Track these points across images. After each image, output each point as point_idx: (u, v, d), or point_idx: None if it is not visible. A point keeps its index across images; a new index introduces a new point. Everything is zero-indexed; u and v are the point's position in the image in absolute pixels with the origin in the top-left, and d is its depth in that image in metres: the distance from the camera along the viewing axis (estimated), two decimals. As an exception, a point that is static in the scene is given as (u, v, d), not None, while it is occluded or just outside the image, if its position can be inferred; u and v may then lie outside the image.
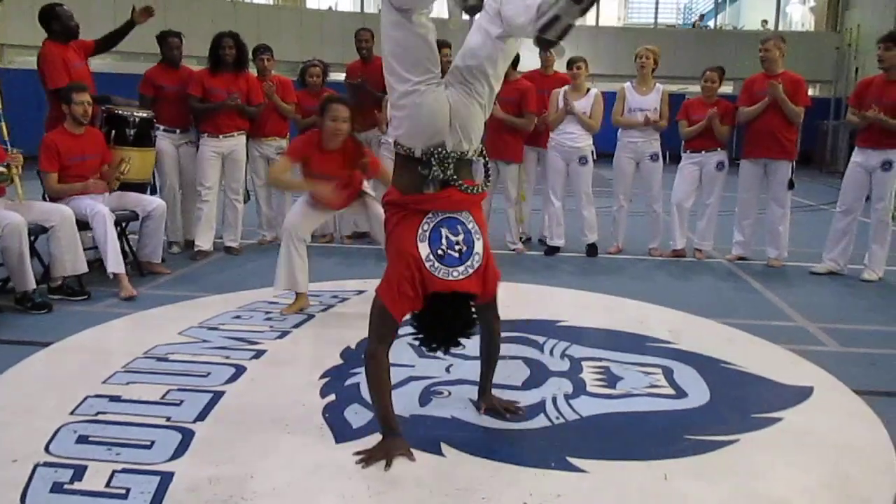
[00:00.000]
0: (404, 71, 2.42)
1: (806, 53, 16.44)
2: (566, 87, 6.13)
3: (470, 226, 2.52)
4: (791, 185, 5.89)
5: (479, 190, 2.56)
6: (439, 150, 2.47)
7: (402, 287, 2.47)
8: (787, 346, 3.84)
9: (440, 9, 3.13)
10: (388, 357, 2.52)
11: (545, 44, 2.25)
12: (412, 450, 2.50)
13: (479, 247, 2.52)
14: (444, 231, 2.47)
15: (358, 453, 2.45)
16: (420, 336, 2.56)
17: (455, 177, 2.48)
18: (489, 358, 2.86)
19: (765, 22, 20.86)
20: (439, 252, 2.44)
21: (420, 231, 2.46)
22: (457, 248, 2.47)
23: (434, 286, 2.45)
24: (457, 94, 2.49)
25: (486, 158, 2.68)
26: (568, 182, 6.29)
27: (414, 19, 2.36)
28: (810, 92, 6.04)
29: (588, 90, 6.17)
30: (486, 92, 2.51)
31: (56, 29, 5.16)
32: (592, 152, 6.20)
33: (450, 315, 2.50)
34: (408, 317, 2.55)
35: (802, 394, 3.16)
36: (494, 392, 2.95)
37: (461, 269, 2.46)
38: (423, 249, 2.44)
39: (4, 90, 4.65)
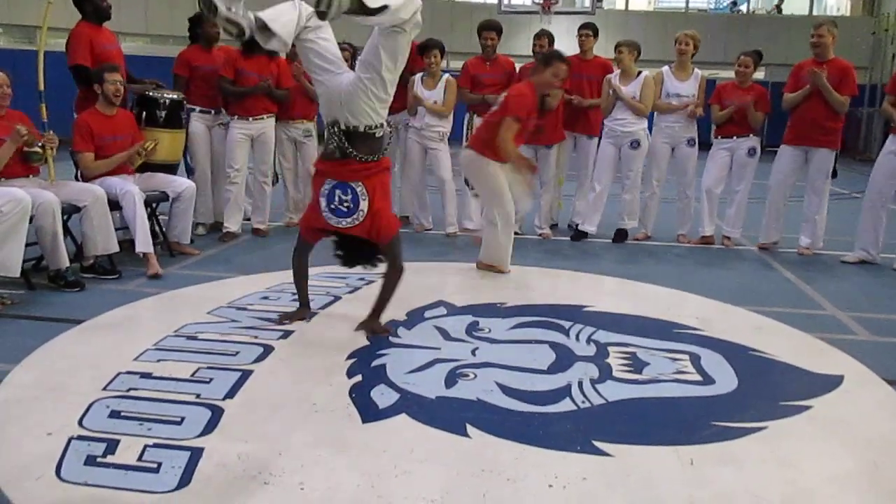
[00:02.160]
0: (319, 64, 3.40)
1: (841, 39, 16.06)
2: (617, 73, 6.09)
3: (359, 190, 3.37)
4: (834, 174, 5.78)
5: (376, 158, 3.41)
6: (334, 125, 3.37)
7: (309, 223, 3.62)
8: (816, 334, 3.80)
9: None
10: (303, 258, 3.74)
11: (322, 15, 2.96)
12: (439, 430, 2.55)
13: (363, 206, 3.38)
14: (337, 192, 3.39)
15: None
16: (341, 256, 3.59)
17: (350, 149, 3.34)
18: (380, 293, 3.63)
19: (777, 8, 20.51)
20: (332, 206, 3.40)
21: (322, 189, 3.42)
22: (344, 205, 3.39)
23: (327, 227, 3.48)
24: (350, 81, 3.32)
25: (389, 135, 3.56)
26: (618, 167, 6.25)
27: (311, 35, 3.33)
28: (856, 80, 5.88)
29: (638, 73, 6.10)
30: (375, 78, 3.27)
31: (88, 10, 5.20)
32: (647, 136, 6.16)
33: (355, 247, 3.53)
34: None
35: (832, 382, 3.13)
36: (521, 375, 2.97)
37: (348, 219, 3.41)
38: (322, 203, 3.42)
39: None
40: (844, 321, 4.14)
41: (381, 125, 3.45)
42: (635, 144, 6.11)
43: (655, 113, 6.23)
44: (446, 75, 6.15)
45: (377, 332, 3.57)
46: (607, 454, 2.43)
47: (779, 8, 21.12)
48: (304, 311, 3.79)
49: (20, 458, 2.32)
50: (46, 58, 4.58)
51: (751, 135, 6.00)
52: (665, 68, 6.22)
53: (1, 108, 4.26)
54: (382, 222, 3.45)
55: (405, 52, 3.32)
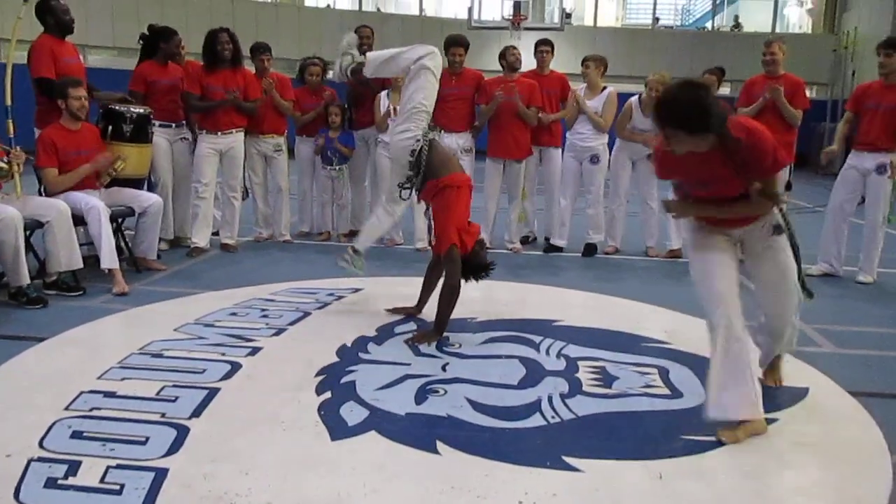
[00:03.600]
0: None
1: (803, 55, 16.44)
2: (583, 86, 6.16)
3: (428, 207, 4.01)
4: (789, 187, 5.90)
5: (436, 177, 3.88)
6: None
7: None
8: (782, 347, 3.84)
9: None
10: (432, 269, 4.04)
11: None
12: (409, 447, 2.54)
13: (431, 222, 3.96)
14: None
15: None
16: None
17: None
18: (437, 308, 3.76)
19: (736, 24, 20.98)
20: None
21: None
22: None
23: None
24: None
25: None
26: (581, 182, 6.31)
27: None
28: (808, 94, 6.04)
29: (603, 89, 6.17)
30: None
31: (51, 23, 5.11)
32: (606, 151, 6.23)
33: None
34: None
35: (797, 395, 3.17)
36: (491, 390, 2.99)
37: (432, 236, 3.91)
38: None
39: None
40: (809, 333, 4.19)
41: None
42: (595, 160, 6.18)
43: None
44: None
45: (421, 341, 3.69)
46: (577, 469, 2.43)
47: (737, 24, 21.56)
48: (414, 309, 4.12)
49: (-23, 482, 2.25)
50: (16, 71, 4.51)
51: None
52: (634, 100, 6.23)
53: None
54: (439, 235, 3.77)
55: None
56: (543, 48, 6.39)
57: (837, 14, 20.19)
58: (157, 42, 5.79)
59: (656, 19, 21.45)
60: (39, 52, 5.05)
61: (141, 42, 5.90)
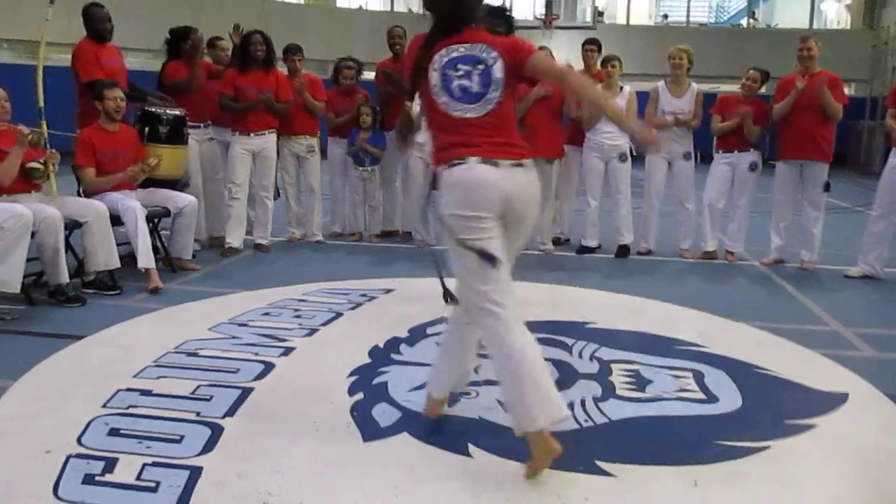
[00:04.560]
0: None
1: (841, 52, 16.12)
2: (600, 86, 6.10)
3: None
4: (827, 188, 5.78)
5: None
6: None
7: None
8: (820, 350, 3.77)
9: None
10: None
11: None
12: (441, 449, 2.52)
13: None
14: None
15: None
16: None
17: None
18: None
19: (752, 14, 20.56)
20: None
21: None
22: None
23: None
24: None
25: None
26: (606, 181, 6.25)
27: None
28: (845, 91, 5.93)
29: (621, 88, 6.12)
30: None
31: (90, 29, 5.25)
32: (631, 150, 6.17)
33: None
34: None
35: (837, 400, 3.10)
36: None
37: None
38: None
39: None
40: (848, 337, 4.12)
41: None
42: (623, 158, 6.14)
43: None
44: None
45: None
46: (610, 474, 2.41)
47: (754, 16, 21.23)
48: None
49: (18, 477, 2.30)
50: (46, 73, 4.59)
51: (752, 149, 6.00)
52: (660, 84, 6.22)
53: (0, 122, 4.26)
54: None
55: None
56: (590, 47, 6.33)
57: (876, 9, 19.75)
58: (179, 43, 5.86)
59: (752, 13, 20.96)
60: (84, 57, 5.19)
61: (166, 46, 6.00)
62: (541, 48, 6.23)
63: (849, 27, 21.16)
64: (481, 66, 2.38)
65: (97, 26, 5.26)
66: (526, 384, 2.28)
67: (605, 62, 6.09)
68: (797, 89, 5.57)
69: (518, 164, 2.37)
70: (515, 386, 2.31)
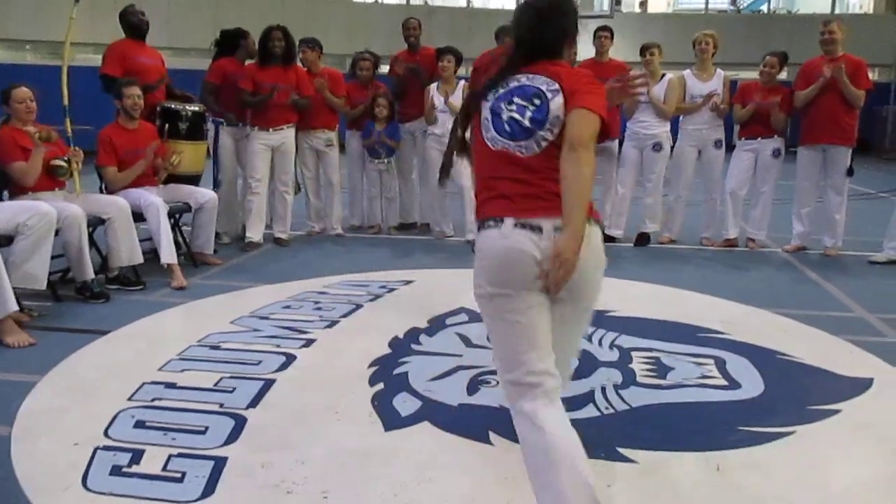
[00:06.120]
0: None
1: (865, 37, 15.88)
2: (686, 71, 6.09)
3: None
4: (850, 173, 5.70)
5: None
6: None
7: None
8: (845, 336, 3.73)
9: None
10: None
11: None
12: (462, 437, 2.53)
13: None
14: None
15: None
16: None
17: None
18: None
19: (734, 1, 20.38)
20: None
21: None
22: None
23: None
24: None
25: None
26: (640, 171, 6.23)
27: None
28: (870, 76, 5.85)
29: (662, 75, 6.08)
30: None
31: (125, 26, 5.42)
32: (669, 139, 6.14)
33: None
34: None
35: (861, 385, 3.07)
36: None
37: None
38: None
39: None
40: (873, 323, 4.07)
41: None
42: (658, 147, 6.08)
43: (681, 117, 6.19)
44: (462, 81, 6.14)
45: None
46: (632, 461, 2.41)
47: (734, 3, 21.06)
48: None
49: (48, 468, 2.34)
50: (72, 73, 4.65)
51: (775, 136, 5.93)
52: (686, 71, 6.17)
53: (27, 122, 4.32)
54: None
55: None
56: (603, 34, 6.29)
57: (901, -7, 19.44)
58: (236, 42, 5.98)
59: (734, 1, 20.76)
60: (109, 52, 5.37)
61: (215, 48, 6.10)
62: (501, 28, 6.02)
63: (872, 12, 20.82)
64: (538, 101, 2.00)
65: (132, 20, 5.41)
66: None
67: (643, 50, 6.07)
68: (824, 77, 5.49)
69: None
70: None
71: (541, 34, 2.08)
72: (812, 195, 5.91)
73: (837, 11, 20.04)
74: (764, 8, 22.49)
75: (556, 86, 2.00)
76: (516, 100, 2.03)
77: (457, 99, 6.02)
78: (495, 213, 1.96)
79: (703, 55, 6.05)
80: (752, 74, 6.20)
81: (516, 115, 2.01)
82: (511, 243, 1.91)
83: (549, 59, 2.08)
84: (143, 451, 2.43)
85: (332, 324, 3.85)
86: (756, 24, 20.07)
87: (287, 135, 5.99)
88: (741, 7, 23.28)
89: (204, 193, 5.20)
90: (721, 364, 3.29)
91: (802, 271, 5.35)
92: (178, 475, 2.29)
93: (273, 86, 5.78)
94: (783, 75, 6.17)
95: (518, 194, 1.95)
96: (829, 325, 3.91)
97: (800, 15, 20.49)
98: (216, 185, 5.95)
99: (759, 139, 5.96)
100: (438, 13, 19.23)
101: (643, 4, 21.01)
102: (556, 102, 1.98)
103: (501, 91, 2.06)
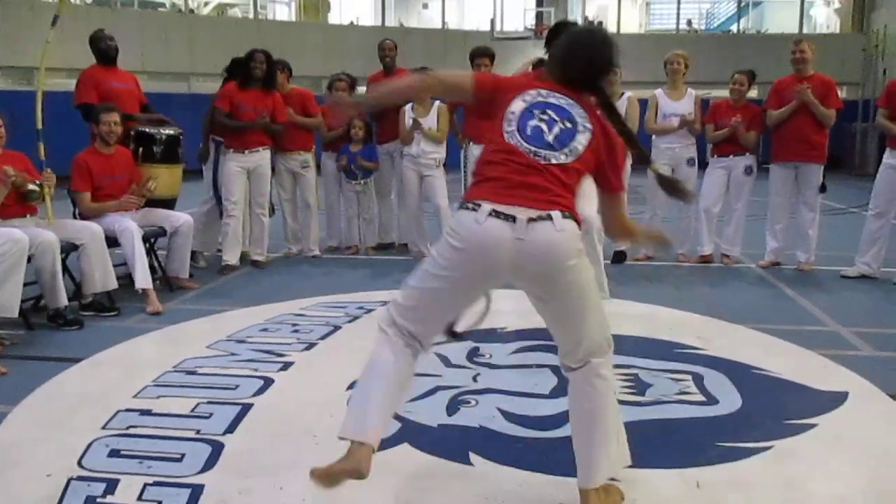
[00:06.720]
0: None
1: (832, 56, 16.24)
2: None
3: None
4: (823, 189, 5.81)
5: None
6: None
7: None
8: (819, 350, 3.78)
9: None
10: None
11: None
12: (442, 458, 2.52)
13: None
14: None
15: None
16: None
17: None
18: None
19: (689, 22, 20.83)
20: None
21: None
22: None
23: None
24: None
25: None
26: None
27: None
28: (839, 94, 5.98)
29: (621, 94, 6.14)
30: None
31: (95, 52, 5.40)
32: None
33: None
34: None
35: (837, 399, 3.10)
36: (523, 400, 2.94)
37: None
38: None
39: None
40: (847, 337, 4.12)
41: None
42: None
43: (654, 136, 6.26)
44: (437, 102, 6.17)
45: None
46: (613, 479, 2.40)
47: (689, 24, 21.54)
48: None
49: (20, 501, 2.29)
50: (45, 97, 4.61)
51: (747, 153, 6.02)
52: (658, 91, 6.26)
53: (-5, 148, 4.27)
54: None
55: None
56: None
57: (866, 13, 19.89)
58: (240, 68, 5.87)
59: (689, 21, 21.31)
60: (81, 81, 5.34)
61: (225, 75, 6.08)
62: (539, 61, 6.23)
63: (839, 31, 21.29)
64: (569, 125, 2.09)
65: (100, 46, 5.39)
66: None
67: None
68: (799, 99, 5.59)
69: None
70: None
71: (587, 66, 2.21)
72: (785, 211, 6.00)
73: (805, 31, 20.47)
74: (734, 28, 22.90)
75: (590, 125, 2.12)
76: (549, 112, 2.11)
77: (431, 120, 6.06)
78: (476, 197, 2.04)
79: (674, 75, 6.14)
80: (723, 93, 6.30)
81: (543, 127, 2.09)
82: (484, 231, 1.99)
83: (588, 89, 2.21)
84: (117, 481, 2.38)
85: (310, 346, 3.82)
86: (726, 43, 20.42)
87: (263, 156, 5.96)
88: (704, 28, 23.68)
89: (179, 217, 5.16)
90: (699, 380, 3.31)
91: (777, 286, 5.41)
92: (154, 504, 2.25)
93: (260, 114, 5.76)
94: (753, 93, 6.27)
95: (503, 180, 2.03)
96: (804, 340, 3.95)
97: (769, 34, 20.87)
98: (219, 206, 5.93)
99: (732, 156, 6.04)
100: (414, 34, 19.34)
101: (616, 25, 21.30)
102: (584, 137, 2.10)
103: (539, 100, 2.13)
